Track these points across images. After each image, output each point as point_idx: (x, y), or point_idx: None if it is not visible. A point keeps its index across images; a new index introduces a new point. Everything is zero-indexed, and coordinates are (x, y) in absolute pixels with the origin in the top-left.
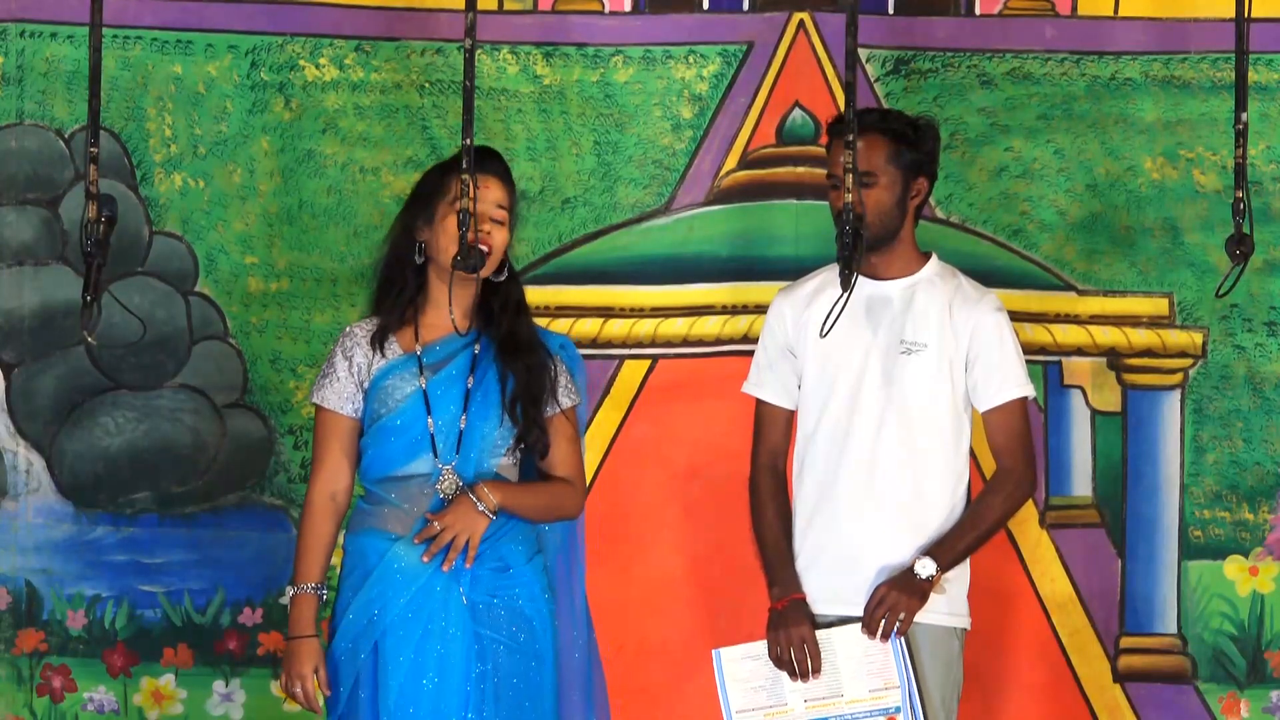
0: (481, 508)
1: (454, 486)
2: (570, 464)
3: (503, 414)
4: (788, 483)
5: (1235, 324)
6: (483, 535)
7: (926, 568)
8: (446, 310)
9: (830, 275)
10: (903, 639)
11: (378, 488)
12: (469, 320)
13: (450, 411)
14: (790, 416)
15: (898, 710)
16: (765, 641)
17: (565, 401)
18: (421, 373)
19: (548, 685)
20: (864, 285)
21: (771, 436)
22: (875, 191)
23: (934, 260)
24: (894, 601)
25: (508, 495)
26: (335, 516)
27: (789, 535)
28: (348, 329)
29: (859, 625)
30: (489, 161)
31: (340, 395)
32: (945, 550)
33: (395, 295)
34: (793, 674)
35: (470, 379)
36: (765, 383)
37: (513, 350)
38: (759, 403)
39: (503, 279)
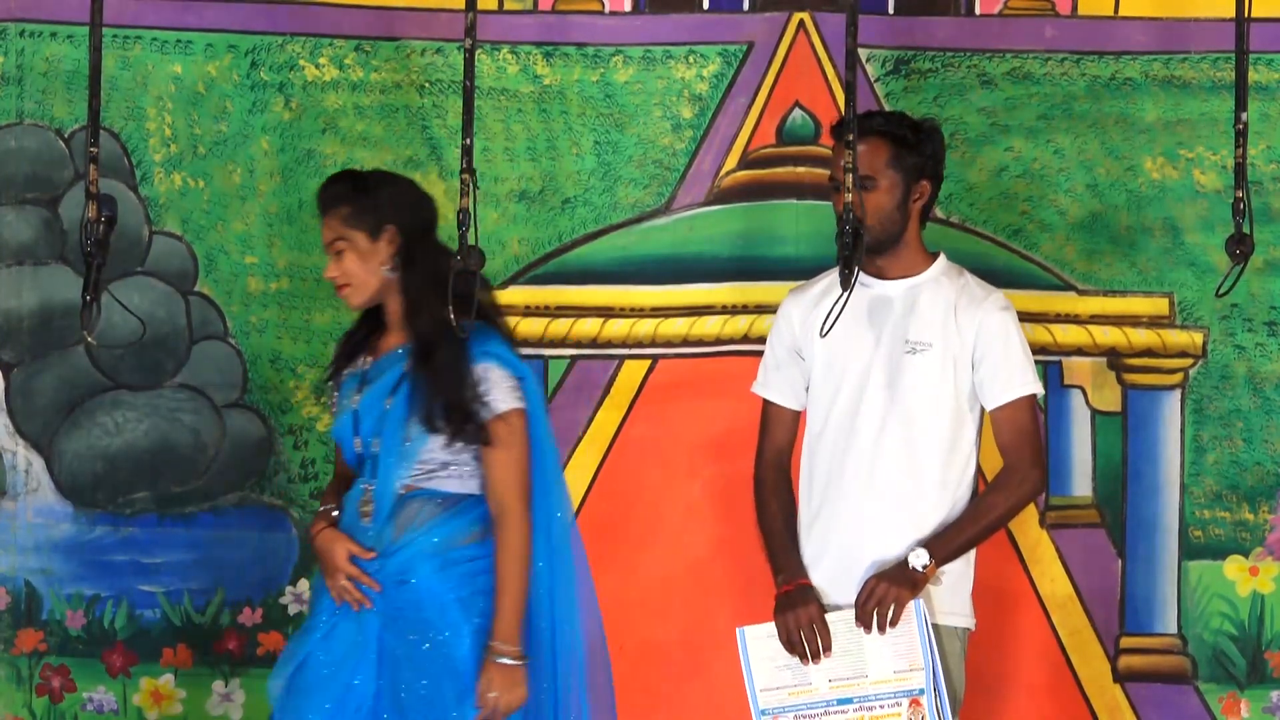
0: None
1: (371, 506)
2: (498, 487)
3: (410, 429)
4: (793, 479)
5: (1235, 324)
6: (391, 550)
7: (920, 558)
8: (396, 327)
9: (829, 275)
10: (926, 615)
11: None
12: (404, 336)
13: (370, 430)
14: (796, 417)
15: (921, 692)
16: None
17: (500, 405)
18: (360, 389)
19: (453, 693)
20: (870, 286)
21: (777, 436)
22: (875, 195)
23: (941, 260)
24: (884, 593)
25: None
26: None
27: (792, 527)
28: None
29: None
30: (324, 196)
31: (332, 399)
32: (942, 543)
33: (369, 310)
34: (803, 657)
35: (390, 399)
36: (772, 383)
37: (424, 361)
38: (766, 402)
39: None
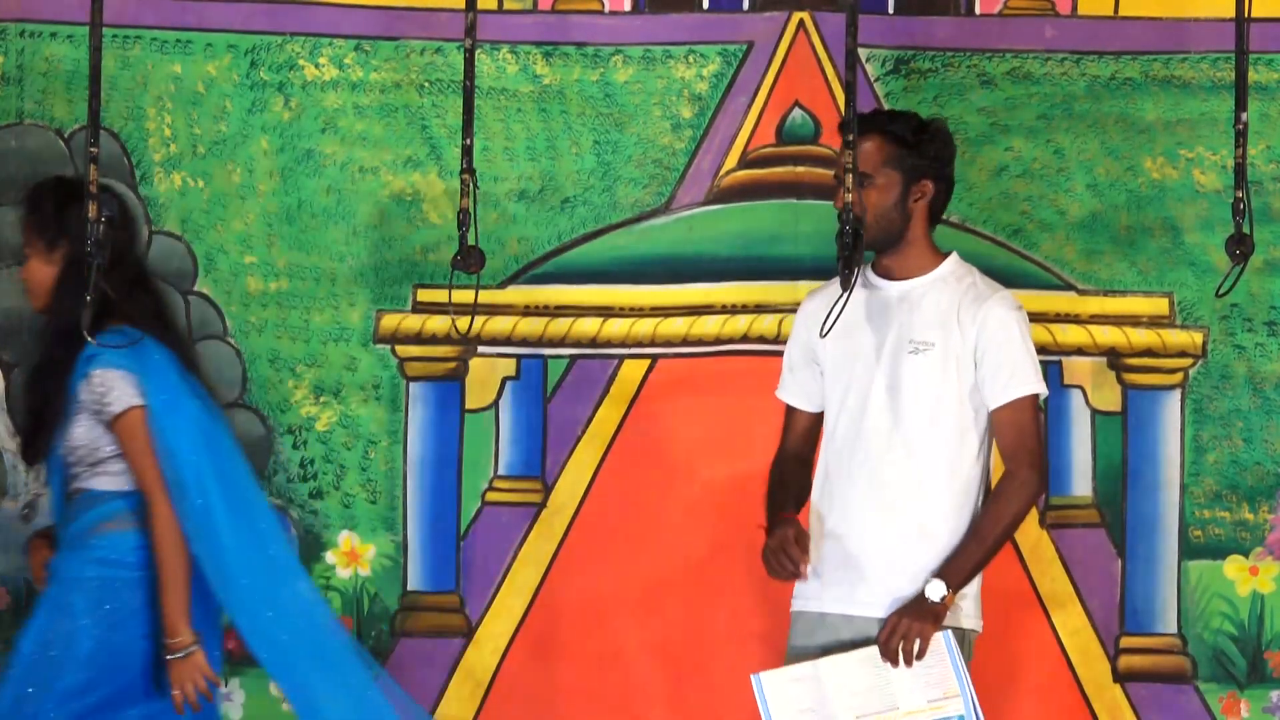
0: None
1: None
2: (137, 483)
3: (62, 435)
4: (812, 470)
5: (1235, 323)
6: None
7: (937, 590)
8: None
9: (860, 276)
10: (955, 643)
11: None
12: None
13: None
14: (814, 419)
15: (961, 719)
16: (809, 663)
17: (115, 408)
18: None
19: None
20: (878, 286)
21: (794, 439)
22: (872, 192)
23: (950, 260)
24: (906, 629)
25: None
26: None
27: (794, 499)
28: None
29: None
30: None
31: None
32: (954, 571)
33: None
34: (780, 574)
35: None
36: (788, 386)
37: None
38: (786, 405)
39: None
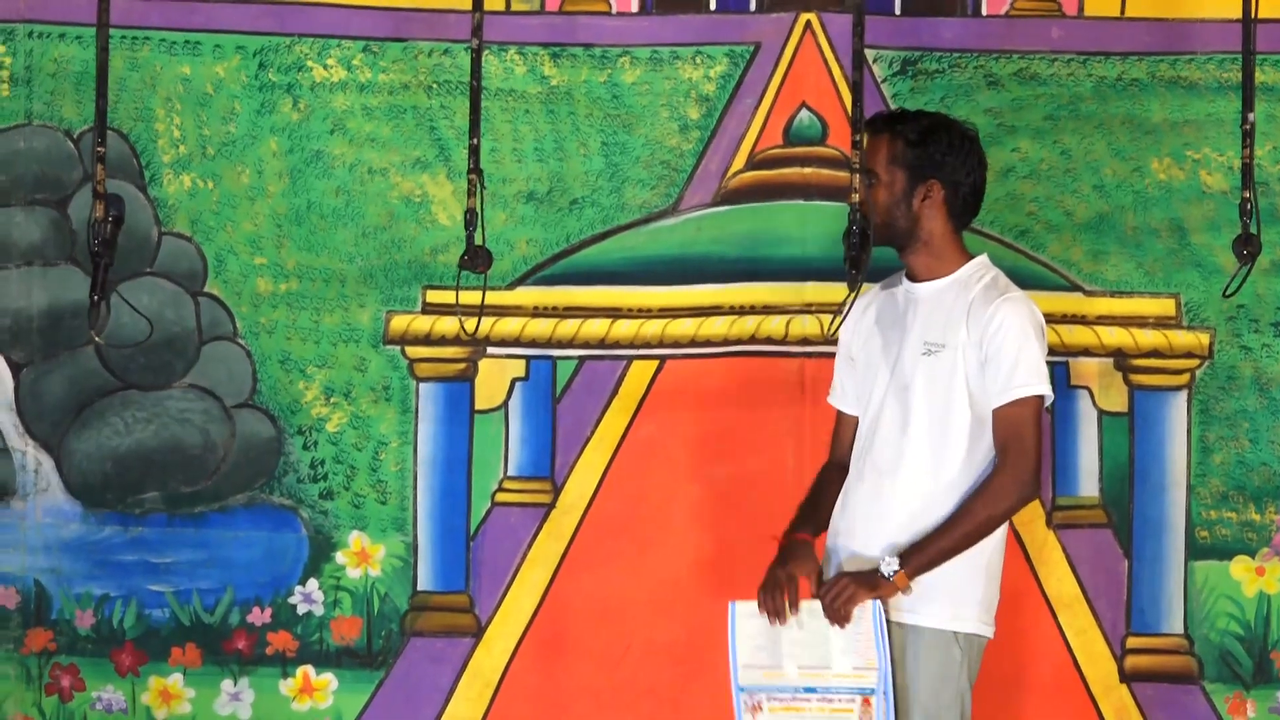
0: None
1: None
2: None
3: None
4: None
5: (1242, 324)
6: None
7: (889, 565)
8: None
9: (890, 280)
10: (882, 617)
11: None
12: None
13: None
14: (856, 421)
15: (872, 692)
16: None
17: None
18: None
19: None
20: (903, 288)
21: (840, 442)
22: (878, 190)
23: (973, 262)
24: (841, 588)
25: None
26: None
27: (824, 497)
28: None
29: None
30: None
31: None
32: (913, 551)
33: None
34: (770, 617)
35: None
36: (834, 389)
37: None
38: (836, 410)
39: None
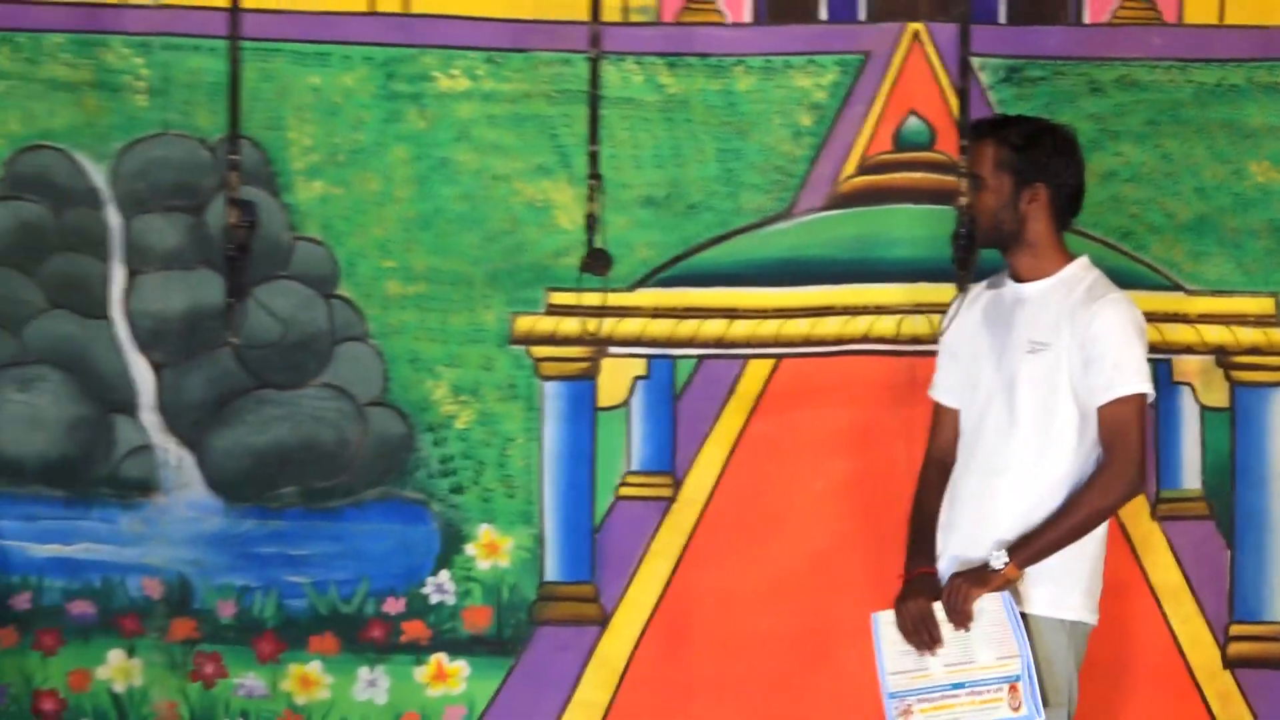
0: None
1: None
2: None
3: None
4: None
5: None
6: None
7: (999, 559)
8: None
9: (995, 279)
10: (1014, 607)
11: None
12: None
13: None
14: (958, 416)
15: (1018, 678)
16: None
17: None
18: None
19: None
20: (1007, 288)
21: (940, 434)
22: (985, 195)
23: (1076, 263)
24: (955, 587)
25: None
26: None
27: (933, 521)
28: None
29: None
30: None
31: None
32: (1022, 545)
33: None
34: (917, 648)
35: None
36: (936, 384)
37: None
38: (935, 402)
39: None
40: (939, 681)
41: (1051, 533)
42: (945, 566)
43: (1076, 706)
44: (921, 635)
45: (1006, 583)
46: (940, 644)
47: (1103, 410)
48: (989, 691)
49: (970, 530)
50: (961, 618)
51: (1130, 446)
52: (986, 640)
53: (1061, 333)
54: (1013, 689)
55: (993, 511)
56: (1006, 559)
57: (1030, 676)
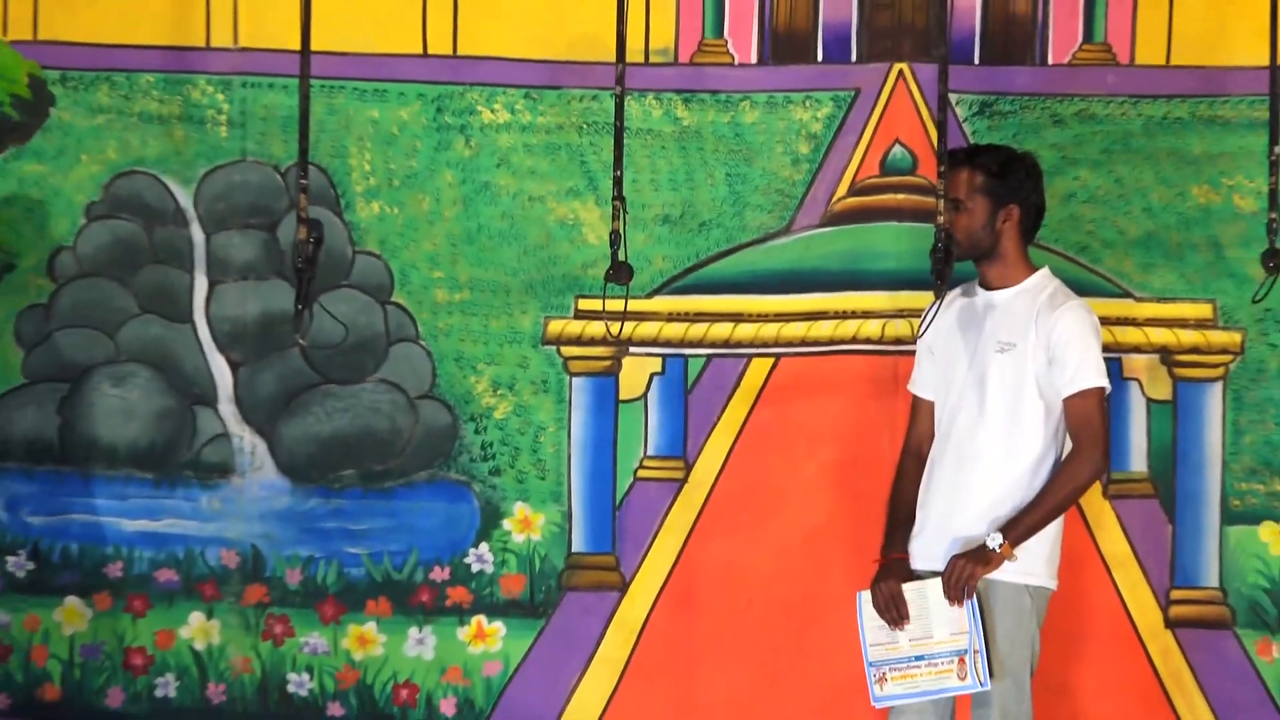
0: None
1: None
2: None
3: None
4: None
5: (1269, 325)
6: None
7: (995, 540)
8: None
9: (967, 287)
10: (974, 596)
11: None
12: None
13: None
14: (933, 408)
15: (964, 651)
16: None
17: None
18: None
19: None
20: (979, 295)
21: (918, 425)
22: (963, 216)
23: (1039, 273)
24: (961, 568)
25: None
26: None
27: (908, 509)
28: None
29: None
30: None
31: None
32: (1013, 525)
33: None
34: (888, 623)
35: None
36: (915, 379)
37: None
38: (913, 397)
39: None
40: (905, 654)
41: (1036, 513)
42: (921, 545)
43: (1039, 661)
44: (891, 613)
45: (1001, 561)
46: (907, 620)
47: (1068, 403)
48: (942, 663)
49: (945, 510)
50: (965, 596)
51: (1096, 433)
52: (943, 619)
53: (1028, 334)
54: (960, 661)
55: (965, 494)
56: (1002, 539)
57: (980, 650)
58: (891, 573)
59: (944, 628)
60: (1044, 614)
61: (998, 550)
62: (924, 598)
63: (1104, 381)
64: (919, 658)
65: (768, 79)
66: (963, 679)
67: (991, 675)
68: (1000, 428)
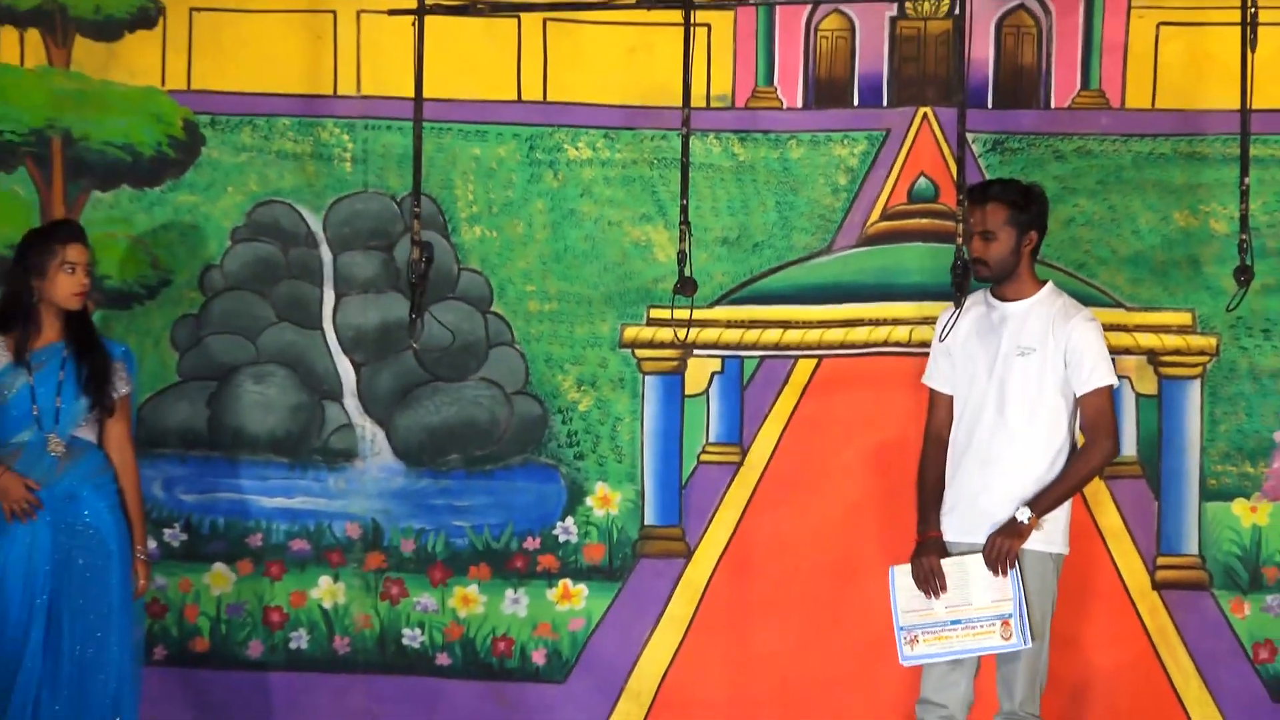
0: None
1: (61, 447)
2: (116, 445)
3: (80, 392)
4: (946, 449)
5: (1240, 331)
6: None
7: (1024, 514)
8: (47, 330)
9: (979, 296)
10: (1019, 564)
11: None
12: (59, 334)
13: (49, 397)
14: (950, 400)
15: (1010, 616)
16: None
17: (123, 388)
18: (29, 371)
19: (114, 571)
20: (996, 306)
21: (937, 415)
22: (996, 245)
23: (1047, 286)
24: (1001, 544)
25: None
26: None
27: (938, 490)
28: None
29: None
30: (77, 230)
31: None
32: (1039, 501)
33: (21, 323)
34: (926, 593)
35: (61, 373)
36: (933, 375)
37: (88, 352)
38: (931, 389)
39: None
40: (940, 619)
41: (1060, 489)
42: (955, 520)
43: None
44: (931, 584)
45: (1030, 532)
46: (945, 590)
47: (1084, 399)
48: (982, 625)
49: (975, 490)
50: (1006, 567)
51: (1109, 425)
52: (985, 587)
53: (1047, 340)
54: (1005, 624)
55: (992, 477)
56: (1030, 513)
57: (1023, 616)
58: (930, 549)
59: (985, 595)
60: (1059, 575)
61: (1026, 523)
62: (964, 570)
63: (1114, 380)
64: (955, 622)
65: (811, 121)
66: (1007, 639)
67: (1032, 635)
68: (1023, 419)
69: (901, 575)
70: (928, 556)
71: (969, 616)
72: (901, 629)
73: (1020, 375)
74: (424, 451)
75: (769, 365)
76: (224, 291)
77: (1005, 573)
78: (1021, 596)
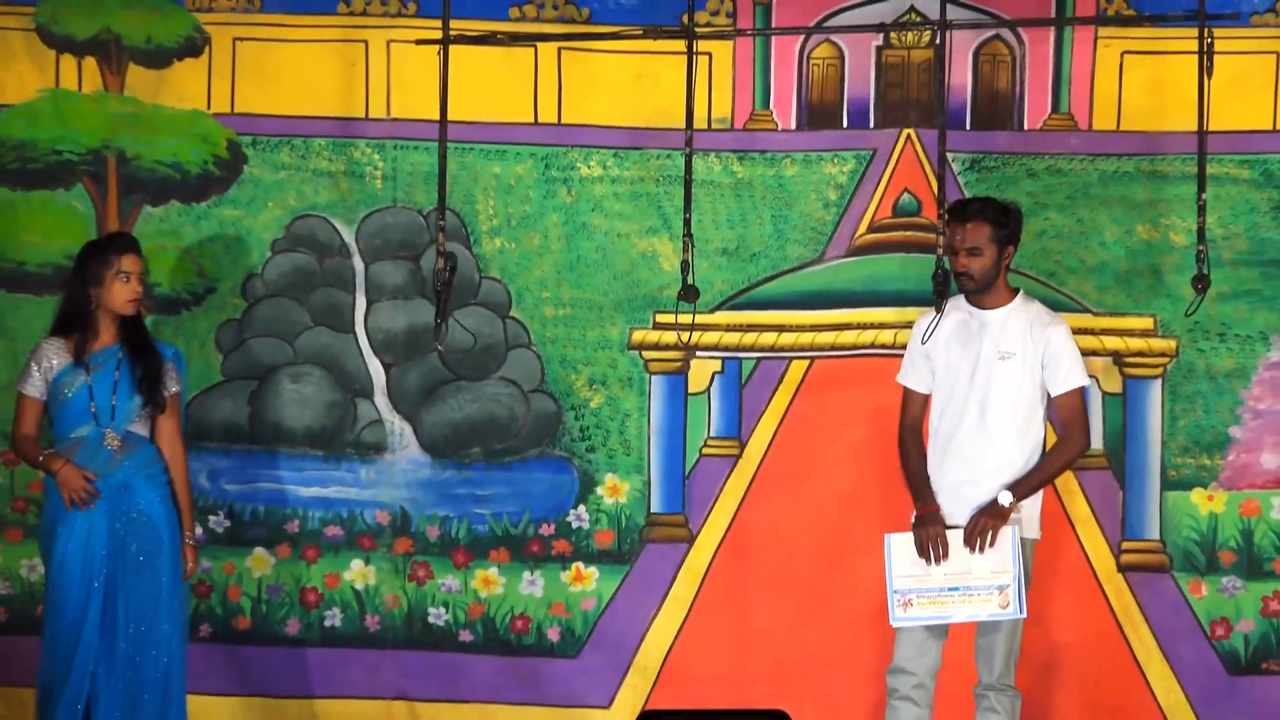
0: None
1: (117, 441)
2: (167, 439)
3: (134, 391)
4: (924, 437)
5: (1198, 335)
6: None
7: (1005, 497)
8: (104, 333)
9: (957, 303)
10: (1018, 539)
11: (61, 444)
12: (114, 337)
13: (106, 395)
14: (925, 398)
15: (1008, 585)
16: None
17: (173, 387)
18: (88, 372)
19: (165, 555)
20: (974, 314)
21: (911, 411)
22: (980, 260)
23: (1020, 294)
24: (983, 524)
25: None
26: (36, 445)
27: (925, 470)
28: (39, 346)
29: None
30: (131, 242)
31: (35, 386)
32: (1018, 487)
33: (80, 327)
34: (928, 560)
35: (117, 373)
36: (909, 374)
37: (141, 354)
38: (905, 387)
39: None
40: (938, 585)
41: (1037, 477)
42: (944, 501)
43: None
44: (936, 550)
45: (1009, 514)
46: (947, 558)
47: (1059, 399)
48: (980, 594)
49: (960, 479)
50: (986, 545)
51: (1082, 422)
52: (987, 559)
53: (1025, 344)
54: (1003, 593)
55: (978, 464)
56: (1011, 497)
57: (1021, 586)
58: (934, 519)
59: (985, 565)
60: (1033, 558)
61: (1007, 506)
62: (960, 542)
63: (1087, 381)
64: (953, 589)
65: (804, 141)
66: (1004, 607)
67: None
68: (1004, 417)
69: (899, 543)
70: (933, 525)
71: (968, 584)
72: (896, 592)
73: (1003, 377)
74: (448, 445)
75: (765, 366)
76: (264, 298)
77: (983, 550)
78: (1020, 570)
